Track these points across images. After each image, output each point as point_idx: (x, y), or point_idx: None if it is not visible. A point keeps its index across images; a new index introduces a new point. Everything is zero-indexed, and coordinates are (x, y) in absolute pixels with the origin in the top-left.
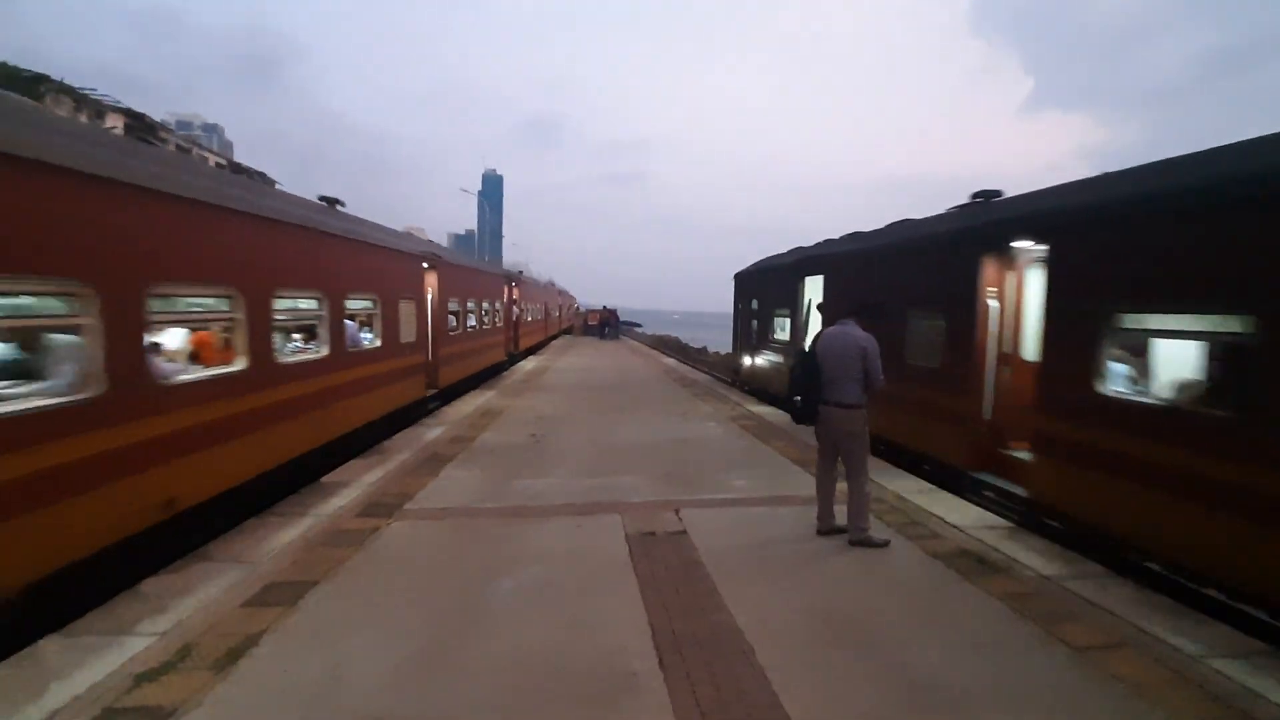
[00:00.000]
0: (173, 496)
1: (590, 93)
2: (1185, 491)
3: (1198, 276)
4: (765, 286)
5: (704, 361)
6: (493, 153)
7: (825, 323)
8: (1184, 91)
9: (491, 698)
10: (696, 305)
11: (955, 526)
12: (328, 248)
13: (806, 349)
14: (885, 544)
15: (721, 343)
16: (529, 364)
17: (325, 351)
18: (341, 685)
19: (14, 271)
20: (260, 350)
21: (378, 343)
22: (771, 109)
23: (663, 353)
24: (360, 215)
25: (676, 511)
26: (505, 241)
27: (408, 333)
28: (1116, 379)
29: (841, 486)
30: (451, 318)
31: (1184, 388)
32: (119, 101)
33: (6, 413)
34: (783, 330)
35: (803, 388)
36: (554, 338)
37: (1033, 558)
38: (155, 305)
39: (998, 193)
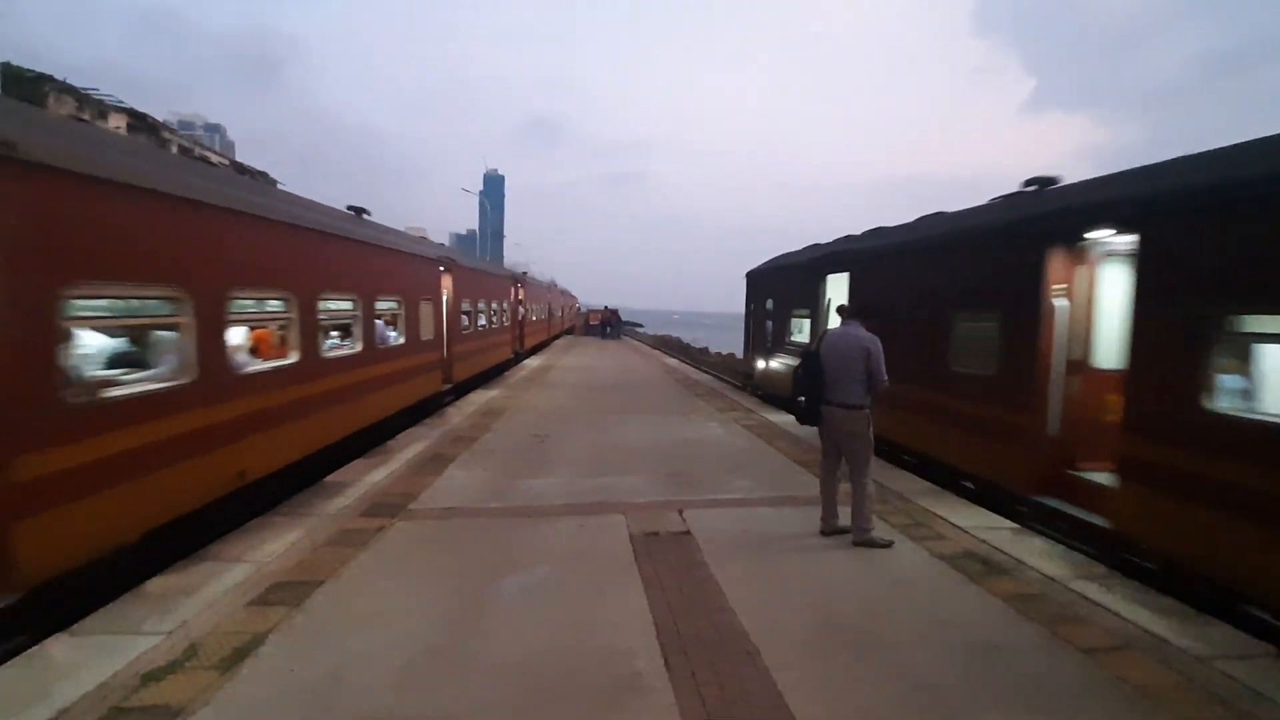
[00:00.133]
0: (244, 469)
1: (591, 93)
2: None
3: None
4: (782, 285)
5: (706, 361)
6: (494, 152)
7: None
8: (1185, 92)
9: (497, 698)
10: (697, 305)
11: (959, 527)
12: (361, 254)
13: (811, 349)
14: (889, 544)
15: (722, 343)
16: (534, 362)
17: (359, 348)
18: (347, 685)
19: (131, 279)
20: (308, 346)
21: (401, 340)
22: (772, 109)
23: (665, 353)
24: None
25: (680, 512)
26: (507, 241)
27: (426, 331)
28: (1235, 394)
29: (845, 487)
30: (464, 317)
31: None
32: (121, 101)
33: (125, 394)
34: (801, 332)
35: (806, 388)
36: (556, 337)
37: (1037, 559)
38: (232, 307)
39: (1053, 180)
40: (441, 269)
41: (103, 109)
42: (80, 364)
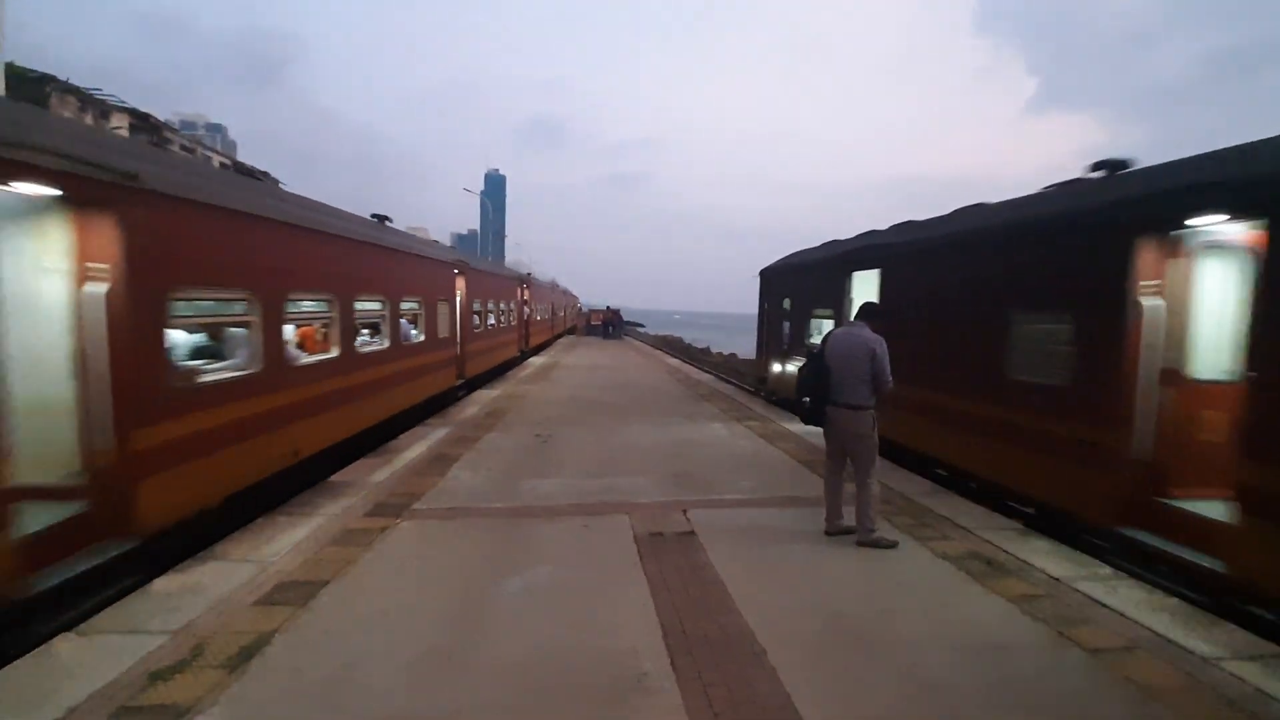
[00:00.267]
0: (298, 448)
1: (593, 94)
2: None
3: None
4: (801, 284)
5: (707, 362)
6: (496, 152)
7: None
8: (1190, 92)
9: (504, 698)
10: (697, 305)
11: (964, 528)
12: (388, 259)
13: (816, 350)
14: (894, 545)
15: (723, 343)
16: (539, 360)
17: (387, 344)
18: (355, 685)
19: (217, 284)
20: (346, 343)
21: (422, 338)
22: (774, 109)
23: (666, 353)
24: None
25: (684, 512)
26: (508, 241)
27: (443, 330)
28: None
29: (849, 487)
30: (475, 317)
31: None
32: (124, 102)
33: (210, 381)
34: (822, 333)
35: (811, 389)
36: (559, 336)
37: (1042, 559)
38: (288, 307)
39: (1124, 163)
40: (456, 271)
41: (105, 109)
42: (179, 356)
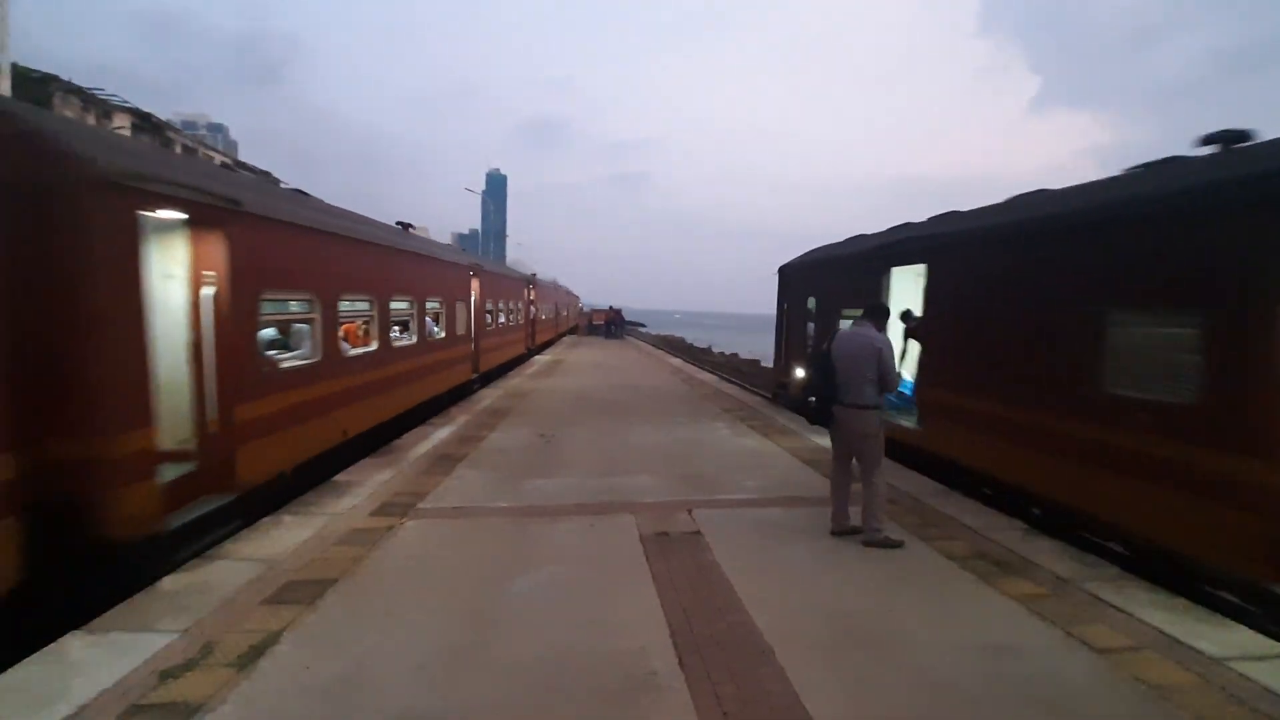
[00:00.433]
0: (346, 428)
1: (594, 94)
2: None
3: None
4: (828, 281)
5: (709, 361)
6: (497, 152)
7: (912, 331)
8: (1194, 90)
9: (514, 697)
10: (698, 305)
11: (970, 528)
12: (415, 263)
13: (823, 349)
14: (900, 545)
15: (725, 343)
16: (545, 357)
17: (415, 340)
18: (364, 684)
19: (290, 287)
20: (384, 338)
21: (443, 335)
22: (776, 109)
23: (668, 352)
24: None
25: (690, 512)
26: (509, 241)
27: (460, 328)
28: None
29: (855, 487)
30: (488, 316)
31: None
32: (126, 101)
33: (284, 369)
34: None
35: (817, 389)
36: (562, 335)
37: (1049, 559)
38: (340, 307)
39: (1244, 134)
40: (471, 274)
41: (108, 109)
42: (262, 347)
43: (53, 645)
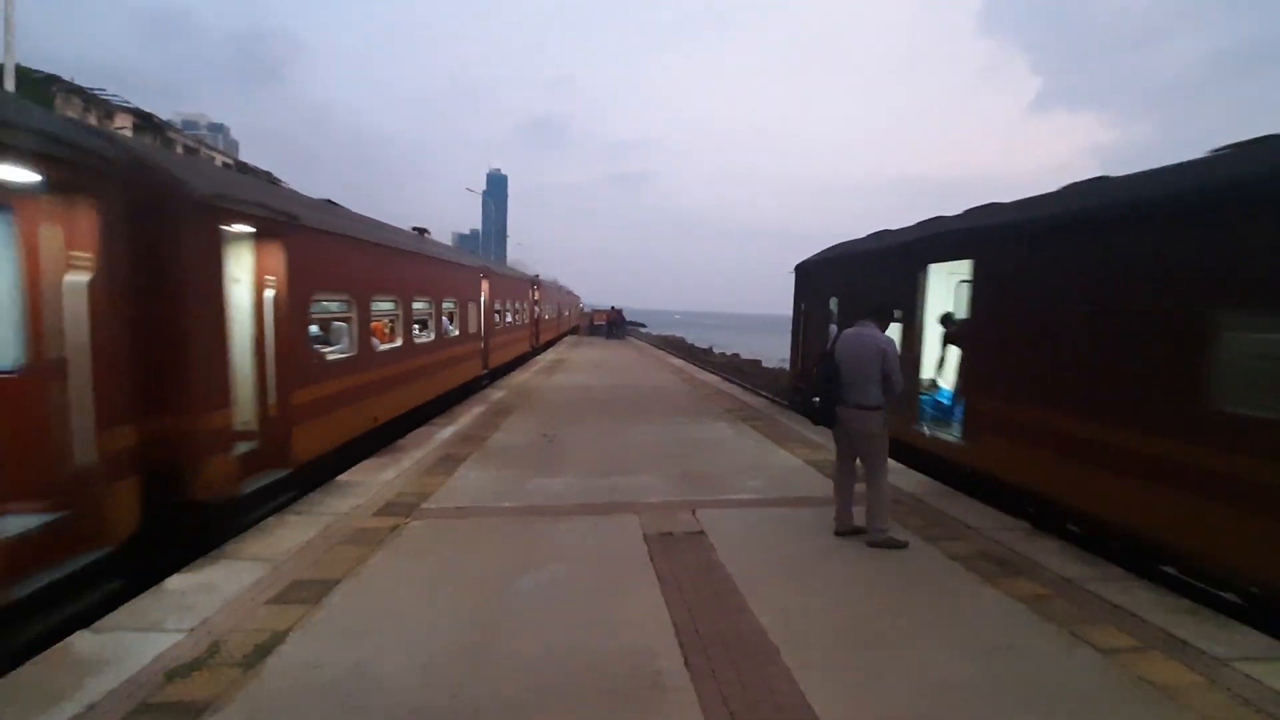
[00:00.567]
0: (377, 415)
1: (595, 93)
2: None
3: None
4: (853, 279)
5: (710, 362)
6: (497, 152)
7: (953, 336)
8: (1196, 91)
9: (520, 696)
10: (698, 305)
11: (973, 529)
12: (434, 266)
13: (827, 350)
14: (904, 545)
15: (726, 344)
16: (549, 355)
17: (433, 337)
18: (371, 683)
19: (334, 289)
20: (406, 335)
21: (457, 333)
22: (776, 109)
23: (669, 353)
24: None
25: (693, 512)
26: (510, 241)
27: (473, 326)
28: None
29: (860, 488)
30: (496, 315)
31: None
32: (128, 102)
33: (329, 361)
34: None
35: (822, 389)
36: (564, 335)
37: (1052, 559)
38: (371, 306)
39: None
40: (481, 275)
41: (109, 109)
42: (311, 340)
43: (60, 644)
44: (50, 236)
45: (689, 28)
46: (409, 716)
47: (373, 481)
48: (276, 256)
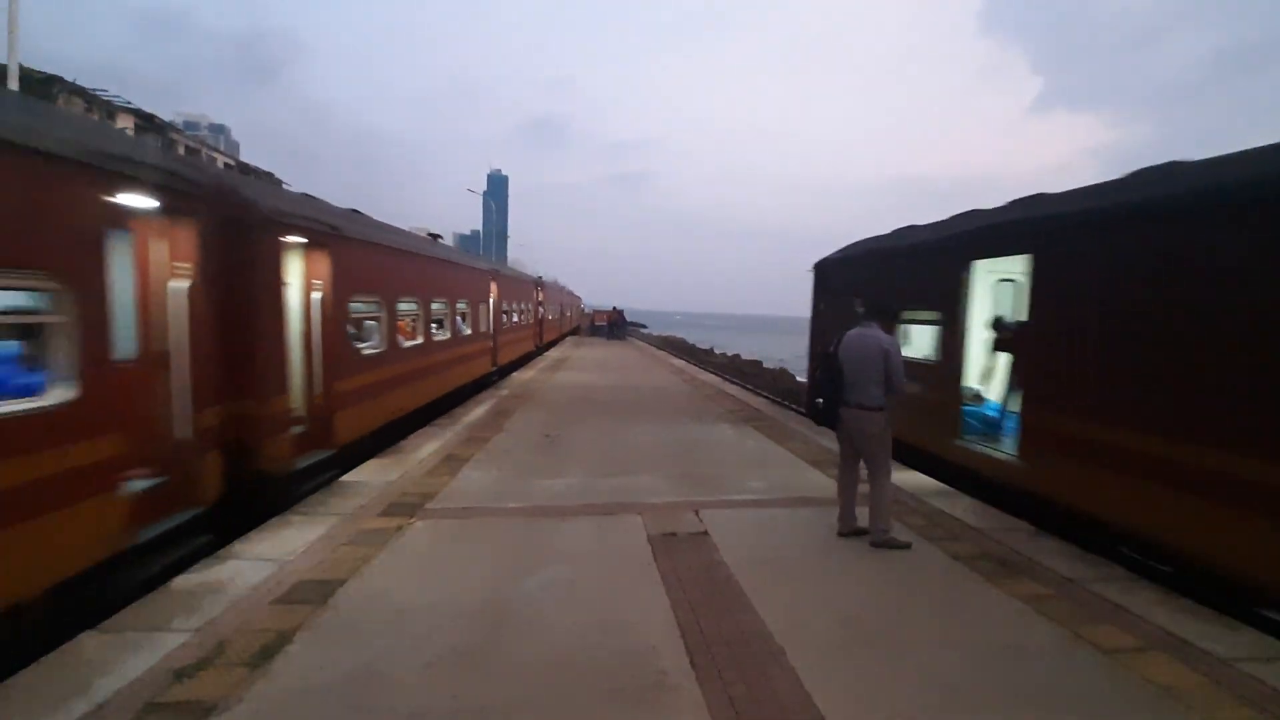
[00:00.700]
0: (402, 406)
1: (594, 93)
2: None
3: None
4: (883, 278)
5: (712, 363)
6: (498, 153)
7: (1005, 342)
8: (1196, 91)
9: (526, 695)
10: (698, 306)
11: (976, 529)
12: (448, 269)
13: (829, 350)
14: (907, 546)
15: (727, 344)
16: (552, 354)
17: (449, 336)
18: (378, 683)
19: (367, 291)
20: (426, 334)
21: (469, 332)
22: (776, 109)
23: (670, 353)
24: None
25: (696, 512)
26: (511, 242)
27: (483, 326)
28: None
29: (862, 488)
30: (504, 315)
31: None
32: (129, 102)
33: (364, 355)
34: (921, 345)
35: (824, 390)
36: (565, 335)
37: (1054, 560)
38: (398, 307)
39: None
40: (491, 278)
41: (111, 110)
42: (349, 338)
43: (68, 644)
44: (159, 250)
45: (689, 28)
46: (413, 718)
47: (377, 482)
48: (322, 263)
